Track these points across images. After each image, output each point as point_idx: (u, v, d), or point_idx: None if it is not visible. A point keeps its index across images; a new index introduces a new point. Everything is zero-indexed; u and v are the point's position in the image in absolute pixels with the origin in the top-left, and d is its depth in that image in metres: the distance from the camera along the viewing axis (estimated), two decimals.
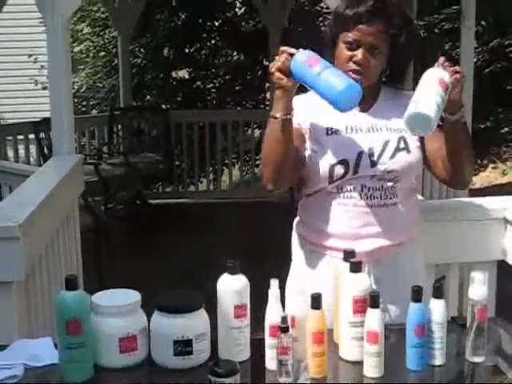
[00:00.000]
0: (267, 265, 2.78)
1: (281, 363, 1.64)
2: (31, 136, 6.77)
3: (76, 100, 9.10)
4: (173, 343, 1.71)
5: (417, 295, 1.71)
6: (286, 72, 1.96)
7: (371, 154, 2.07)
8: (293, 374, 1.65)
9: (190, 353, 1.72)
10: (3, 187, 4.09)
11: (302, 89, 2.03)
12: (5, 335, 2.15)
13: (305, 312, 1.69)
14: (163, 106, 9.24)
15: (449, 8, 8.41)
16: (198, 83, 9.93)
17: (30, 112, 9.06)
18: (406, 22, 2.12)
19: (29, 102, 9.94)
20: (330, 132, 2.10)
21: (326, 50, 2.12)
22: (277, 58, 1.98)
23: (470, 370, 1.77)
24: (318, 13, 9.27)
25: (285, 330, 1.63)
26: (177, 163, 8.17)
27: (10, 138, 6.80)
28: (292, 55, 1.97)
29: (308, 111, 2.10)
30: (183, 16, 9.66)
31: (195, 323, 1.74)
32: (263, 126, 7.81)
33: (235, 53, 10.09)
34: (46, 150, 6.56)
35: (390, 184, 2.08)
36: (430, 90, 1.89)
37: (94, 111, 9.81)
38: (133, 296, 1.79)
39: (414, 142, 2.10)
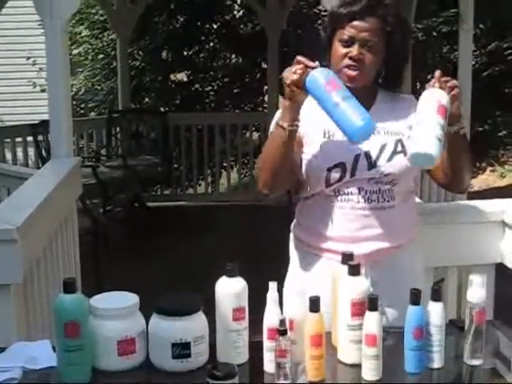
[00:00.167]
0: (265, 267, 2.77)
1: (279, 366, 1.63)
2: (29, 138, 6.77)
3: (74, 102, 9.10)
4: (171, 346, 1.71)
5: (415, 298, 1.71)
6: (300, 85, 1.95)
7: (368, 157, 2.07)
8: (291, 376, 1.64)
9: (189, 356, 1.72)
10: (1, 190, 4.09)
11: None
12: (3, 338, 2.15)
13: (303, 315, 1.69)
14: (162, 109, 9.24)
15: (447, 11, 8.42)
16: (197, 86, 9.93)
17: (29, 114, 9.06)
18: (400, 20, 2.12)
19: (27, 105, 9.95)
20: (326, 135, 2.10)
21: (323, 51, 2.13)
22: (293, 68, 1.96)
23: (469, 372, 1.77)
24: (317, 15, 9.27)
25: (283, 332, 1.63)
26: (175, 166, 8.17)
27: (9, 140, 6.81)
28: (308, 67, 1.95)
29: (305, 114, 2.10)
30: (182, 19, 9.66)
31: (193, 326, 1.74)
32: (261, 129, 7.85)
33: (234, 55, 10.10)
34: (44, 153, 6.56)
35: (387, 187, 2.08)
36: (430, 121, 1.89)
37: (93, 114, 9.80)
38: (131, 299, 1.79)
39: None
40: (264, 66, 8.91)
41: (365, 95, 2.10)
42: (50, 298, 2.65)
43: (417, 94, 2.09)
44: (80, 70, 10.02)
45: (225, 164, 8.22)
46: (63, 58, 3.57)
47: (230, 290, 1.75)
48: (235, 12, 10.05)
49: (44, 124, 5.76)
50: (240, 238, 5.84)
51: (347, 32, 2.05)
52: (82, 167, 4.15)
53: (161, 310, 1.75)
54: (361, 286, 1.77)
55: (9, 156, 6.73)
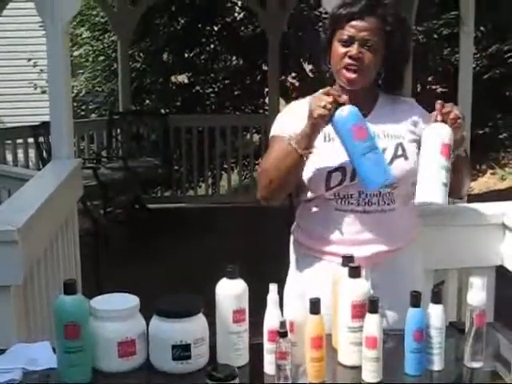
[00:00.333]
0: (266, 269, 2.78)
1: (279, 368, 1.63)
2: (30, 140, 6.78)
3: (75, 104, 9.11)
4: (171, 348, 1.71)
5: (415, 300, 1.71)
6: (326, 118, 1.95)
7: None
8: (291, 378, 1.64)
9: (189, 357, 1.72)
10: (2, 191, 4.09)
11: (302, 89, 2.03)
12: (3, 339, 2.14)
13: (303, 317, 1.69)
14: (162, 111, 9.25)
15: (448, 13, 8.42)
16: (197, 88, 9.94)
17: (29, 116, 9.07)
18: (400, 19, 2.12)
19: (28, 106, 9.96)
20: (327, 139, 2.10)
21: (323, 53, 2.13)
22: (322, 102, 1.94)
23: (469, 375, 1.77)
24: (317, 18, 9.28)
25: (283, 334, 1.62)
26: (176, 168, 8.18)
27: (9, 141, 6.81)
28: (337, 102, 1.94)
29: (306, 118, 2.10)
30: (182, 21, 9.68)
31: (194, 328, 1.74)
32: (262, 131, 7.86)
33: (234, 57, 10.11)
34: (45, 154, 6.56)
35: (387, 190, 2.08)
36: (435, 165, 1.90)
37: (93, 115, 9.82)
38: (131, 300, 1.79)
39: (412, 148, 2.10)
40: (265, 68, 8.92)
41: (365, 98, 2.10)
42: (51, 300, 2.65)
43: (417, 97, 2.09)
44: (81, 71, 10.03)
45: (225, 166, 8.22)
46: (64, 60, 3.57)
47: (231, 291, 1.75)
48: (236, 14, 10.06)
49: (45, 125, 5.77)
50: (240, 240, 5.83)
51: (346, 32, 2.05)
52: (82, 169, 4.16)
53: (161, 311, 1.75)
54: (361, 288, 1.77)
55: (10, 157, 6.74)
